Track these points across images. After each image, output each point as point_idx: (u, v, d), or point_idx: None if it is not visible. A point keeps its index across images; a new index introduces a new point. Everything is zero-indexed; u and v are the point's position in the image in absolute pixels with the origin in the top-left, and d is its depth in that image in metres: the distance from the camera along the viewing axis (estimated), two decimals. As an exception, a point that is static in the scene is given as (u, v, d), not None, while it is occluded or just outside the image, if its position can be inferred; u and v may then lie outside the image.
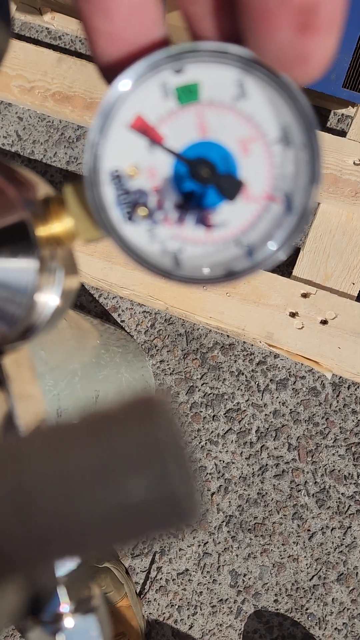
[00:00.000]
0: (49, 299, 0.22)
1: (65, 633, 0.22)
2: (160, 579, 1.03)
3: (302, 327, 0.92)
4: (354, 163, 0.94)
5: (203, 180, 0.20)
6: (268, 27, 0.16)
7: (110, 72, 0.19)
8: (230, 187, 0.20)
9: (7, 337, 0.21)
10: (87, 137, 0.19)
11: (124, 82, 0.19)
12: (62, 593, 0.22)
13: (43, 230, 0.21)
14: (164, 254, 0.20)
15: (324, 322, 0.92)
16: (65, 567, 0.23)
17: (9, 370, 0.22)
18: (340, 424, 1.04)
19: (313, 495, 1.02)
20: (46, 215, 0.21)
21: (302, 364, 1.05)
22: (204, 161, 0.20)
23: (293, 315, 0.93)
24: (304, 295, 0.93)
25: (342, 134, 1.10)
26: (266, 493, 1.04)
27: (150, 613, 1.02)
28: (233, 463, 1.05)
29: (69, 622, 0.22)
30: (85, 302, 1.11)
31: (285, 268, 1.11)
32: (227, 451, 1.05)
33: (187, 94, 0.20)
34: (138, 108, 0.20)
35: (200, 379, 1.08)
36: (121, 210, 0.20)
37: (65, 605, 0.22)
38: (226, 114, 0.20)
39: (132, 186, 0.20)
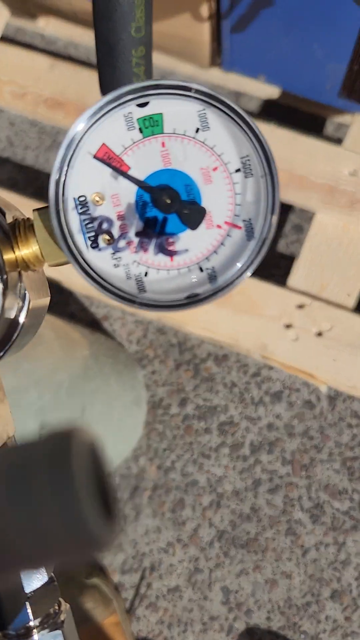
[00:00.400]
0: (17, 319, 0.24)
1: (30, 648, 0.23)
2: (150, 595, 1.04)
3: (297, 339, 0.94)
4: (350, 173, 0.95)
5: (166, 208, 0.21)
6: None
7: None
8: (193, 214, 0.21)
9: (-25, 357, 0.22)
10: (52, 165, 0.20)
11: (79, 124, 0.20)
12: (29, 608, 0.23)
13: (10, 254, 0.22)
14: (128, 278, 0.22)
15: (319, 333, 0.94)
16: (33, 583, 0.24)
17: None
18: (335, 438, 1.05)
19: (307, 510, 1.03)
20: (14, 239, 0.22)
21: (297, 377, 1.07)
22: (167, 188, 0.21)
23: (288, 326, 0.94)
24: (299, 307, 0.94)
25: (339, 141, 1.12)
26: (259, 508, 1.05)
27: (139, 630, 1.03)
28: (226, 477, 1.06)
29: (35, 637, 0.23)
30: (75, 310, 1.12)
31: (280, 278, 1.12)
32: (219, 465, 1.06)
33: (151, 125, 0.21)
34: (103, 138, 0.21)
35: (193, 390, 1.09)
36: (86, 237, 0.21)
37: (32, 621, 0.23)
38: (188, 144, 0.21)
39: (97, 213, 0.21)
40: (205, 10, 0.87)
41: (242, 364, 1.09)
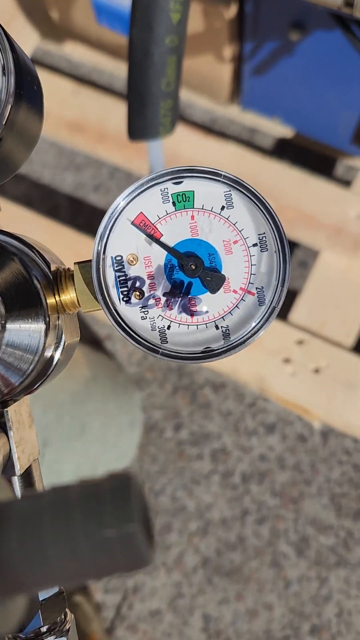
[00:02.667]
0: (53, 356, 0.27)
1: (40, 651, 0.26)
2: (131, 616, 1.06)
3: (294, 374, 0.97)
4: (356, 216, 0.99)
5: (191, 273, 0.25)
6: None
7: None
8: (214, 280, 0.25)
9: (15, 389, 0.26)
10: (98, 229, 0.24)
11: (120, 201, 0.24)
12: (41, 615, 0.27)
13: (51, 299, 0.26)
14: (153, 330, 0.25)
15: (316, 370, 0.97)
16: (45, 593, 0.27)
17: (12, 417, 0.26)
18: (325, 473, 1.08)
19: (293, 543, 1.06)
20: (55, 286, 0.26)
21: (291, 410, 1.10)
22: (193, 256, 0.25)
23: (286, 361, 0.98)
24: (299, 342, 0.97)
25: (348, 183, 1.16)
26: (245, 537, 1.07)
27: (118, 651, 1.05)
28: (215, 504, 1.09)
29: (44, 641, 0.26)
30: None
31: (281, 311, 1.16)
32: (209, 492, 1.09)
33: (184, 200, 0.25)
34: (141, 207, 0.25)
35: (189, 415, 1.12)
36: (119, 291, 0.25)
37: (43, 627, 0.27)
38: (214, 219, 0.25)
39: (131, 272, 0.25)
40: (228, 52, 0.92)
41: (239, 393, 1.12)
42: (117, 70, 1.21)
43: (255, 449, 1.10)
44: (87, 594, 1.07)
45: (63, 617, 0.28)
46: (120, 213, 0.25)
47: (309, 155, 1.18)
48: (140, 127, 0.50)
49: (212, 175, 0.24)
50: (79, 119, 1.07)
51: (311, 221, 1.01)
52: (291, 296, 1.16)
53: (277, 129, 1.12)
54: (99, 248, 0.24)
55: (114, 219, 0.25)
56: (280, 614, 1.04)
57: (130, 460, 1.10)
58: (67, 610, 0.28)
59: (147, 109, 0.48)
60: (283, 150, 1.19)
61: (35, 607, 0.26)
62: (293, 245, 1.17)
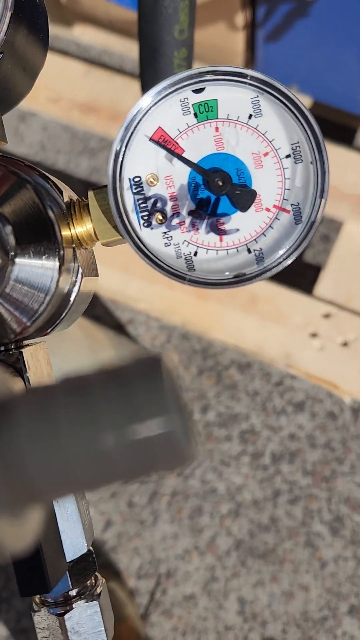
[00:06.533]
0: (69, 296, 0.25)
1: (70, 615, 0.23)
2: (165, 601, 1.04)
3: (322, 349, 0.94)
4: (379, 184, 0.96)
5: (218, 190, 0.22)
6: None
7: None
8: (243, 197, 0.22)
9: (27, 330, 0.23)
10: (111, 146, 0.22)
11: (145, 99, 0.21)
12: (70, 578, 0.24)
13: (66, 231, 0.23)
14: (178, 257, 0.22)
15: (345, 344, 0.94)
16: (72, 554, 0.25)
17: (28, 361, 0.24)
18: (357, 450, 1.04)
19: (327, 523, 1.03)
20: (69, 217, 0.24)
21: (320, 387, 1.06)
22: (219, 171, 0.22)
23: (313, 335, 0.94)
24: (325, 316, 0.94)
25: (370, 154, 1.12)
26: (278, 519, 1.04)
27: (153, 636, 1.03)
28: (245, 486, 1.06)
29: (74, 605, 0.24)
30: (101, 313, 1.14)
31: (306, 287, 1.12)
32: (239, 473, 1.06)
33: (206, 111, 0.22)
34: (159, 122, 0.22)
35: (215, 397, 1.09)
36: (139, 216, 0.22)
37: (72, 590, 0.24)
38: (241, 129, 0.22)
39: (151, 193, 0.22)
40: (240, 20, 0.89)
41: (265, 373, 1.09)
42: (128, 51, 1.19)
43: (285, 429, 1.07)
44: (121, 580, 1.05)
45: (94, 580, 0.25)
46: (135, 127, 0.22)
47: (329, 125, 1.14)
48: (152, 81, 0.47)
49: (237, 76, 0.21)
50: (91, 100, 1.05)
51: (332, 192, 0.97)
52: (315, 271, 1.12)
53: (294, 100, 1.08)
54: (115, 169, 0.22)
55: (129, 134, 0.22)
56: (317, 594, 1.01)
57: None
58: (97, 574, 0.26)
59: (160, 59, 0.45)
60: (300, 123, 1.16)
61: (62, 567, 0.24)
62: (315, 218, 1.14)
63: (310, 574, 1.02)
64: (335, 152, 0.96)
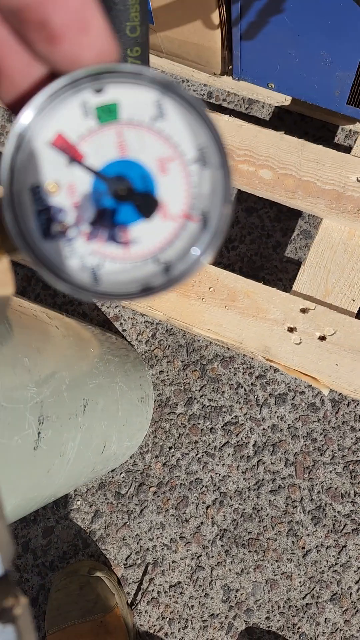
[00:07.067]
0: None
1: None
2: (152, 590, 1.03)
3: (300, 343, 0.92)
4: (357, 180, 0.93)
5: (120, 198, 0.20)
6: (37, 45, 0.19)
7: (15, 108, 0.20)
8: (146, 204, 0.20)
9: None
10: (3, 152, 0.20)
11: (25, 115, 0.19)
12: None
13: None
14: (82, 270, 0.21)
15: (322, 338, 0.92)
16: (-12, 576, 0.23)
17: None
18: (338, 441, 1.03)
19: (309, 512, 1.01)
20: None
21: (302, 379, 1.05)
22: (121, 179, 0.20)
23: (291, 330, 0.92)
24: (303, 311, 0.92)
25: (349, 149, 1.10)
26: (261, 508, 1.03)
27: (140, 625, 1.02)
28: (229, 476, 1.04)
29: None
30: (87, 310, 1.12)
31: (288, 282, 1.10)
32: (223, 464, 1.05)
33: (107, 113, 0.20)
34: (59, 126, 0.20)
35: (199, 390, 1.08)
36: (39, 226, 0.20)
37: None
38: (145, 133, 0.20)
39: (51, 202, 0.20)
40: (216, 18, 0.86)
41: (248, 366, 1.07)
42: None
43: (267, 420, 1.05)
44: (109, 569, 1.04)
45: (11, 602, 0.23)
46: (31, 132, 0.20)
47: (309, 121, 1.11)
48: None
49: (135, 77, 0.19)
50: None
51: (310, 188, 0.95)
52: (296, 266, 1.10)
53: (275, 96, 1.06)
54: (10, 178, 0.20)
55: (24, 140, 0.20)
56: (299, 582, 1.00)
57: (143, 437, 1.06)
58: (18, 594, 0.24)
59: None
60: (281, 118, 1.13)
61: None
62: (295, 214, 1.11)
63: (293, 563, 1.00)
64: (313, 149, 0.94)
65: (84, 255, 0.21)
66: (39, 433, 0.57)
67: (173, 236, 0.20)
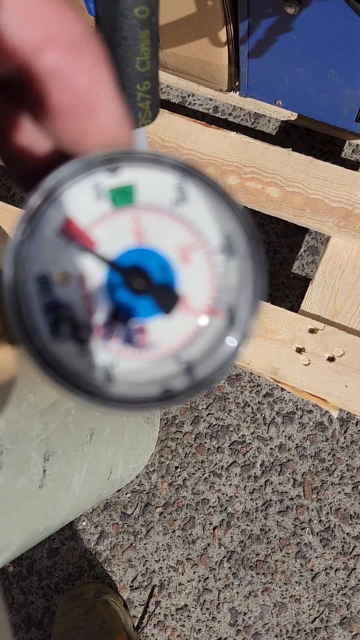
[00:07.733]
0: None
1: None
2: (159, 613, 1.00)
3: (309, 364, 0.89)
4: (366, 197, 0.91)
5: (137, 291, 0.18)
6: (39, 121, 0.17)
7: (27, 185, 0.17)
8: (166, 299, 0.17)
9: None
10: (9, 241, 0.17)
11: (34, 199, 0.17)
12: None
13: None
14: (94, 369, 0.18)
15: (331, 359, 0.89)
16: None
17: None
18: (347, 461, 1.00)
19: (317, 533, 0.99)
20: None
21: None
22: (138, 270, 0.18)
23: (300, 350, 0.90)
24: (311, 331, 0.90)
25: (357, 164, 1.07)
26: (269, 529, 1.00)
27: (147, 648, 0.99)
28: (236, 497, 1.02)
29: None
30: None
31: (295, 299, 1.08)
32: (230, 484, 1.02)
33: (122, 196, 0.18)
34: (69, 211, 0.18)
35: (206, 409, 1.05)
36: (46, 320, 0.18)
37: None
38: (165, 219, 0.18)
39: (60, 294, 0.18)
40: (223, 35, 0.84)
41: (255, 384, 1.05)
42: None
43: (275, 440, 1.03)
44: (115, 592, 1.01)
45: None
46: (40, 218, 0.17)
47: (315, 137, 1.09)
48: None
49: (153, 162, 0.17)
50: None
51: (318, 206, 0.93)
52: (304, 282, 1.08)
53: (281, 111, 1.03)
54: (14, 268, 0.17)
55: (32, 226, 0.17)
56: (308, 606, 0.97)
57: (149, 456, 1.04)
58: None
59: (122, 93, 0.40)
60: (287, 133, 1.11)
61: None
62: (302, 230, 1.09)
63: (302, 585, 0.98)
64: (321, 166, 0.91)
65: (96, 352, 0.18)
66: (44, 471, 0.55)
67: (196, 333, 0.18)
